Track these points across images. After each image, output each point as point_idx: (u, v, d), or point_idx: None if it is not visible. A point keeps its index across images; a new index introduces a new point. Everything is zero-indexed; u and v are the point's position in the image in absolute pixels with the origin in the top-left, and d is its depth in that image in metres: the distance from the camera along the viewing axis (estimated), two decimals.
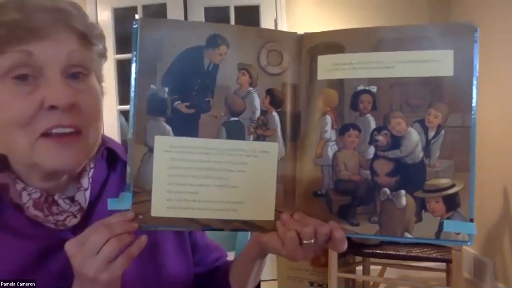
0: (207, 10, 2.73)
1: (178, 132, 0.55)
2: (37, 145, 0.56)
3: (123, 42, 2.69)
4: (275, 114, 0.58)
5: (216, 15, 2.78)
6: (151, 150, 0.54)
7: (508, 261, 2.22)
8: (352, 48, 0.56)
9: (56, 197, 0.60)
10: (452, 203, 0.53)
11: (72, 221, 0.60)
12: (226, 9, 2.72)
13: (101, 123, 0.63)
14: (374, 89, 0.55)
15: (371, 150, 0.56)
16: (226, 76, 0.57)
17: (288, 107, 0.58)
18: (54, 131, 0.56)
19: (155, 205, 0.54)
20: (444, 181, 0.54)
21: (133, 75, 0.55)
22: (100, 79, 0.65)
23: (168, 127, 0.55)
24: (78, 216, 0.61)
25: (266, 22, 2.71)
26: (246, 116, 0.57)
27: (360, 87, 0.56)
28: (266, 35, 0.59)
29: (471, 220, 0.53)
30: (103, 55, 0.64)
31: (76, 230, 0.60)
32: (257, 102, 0.58)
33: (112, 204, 0.53)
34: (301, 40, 0.58)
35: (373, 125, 0.56)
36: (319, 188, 0.57)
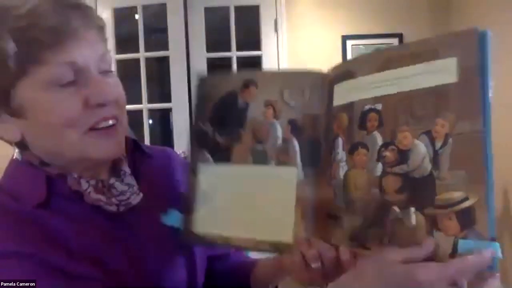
0: (207, 10, 2.70)
1: (216, 160, 0.65)
2: (86, 139, 0.59)
3: (123, 42, 2.62)
4: (295, 141, 0.63)
5: (216, 15, 2.73)
6: (196, 175, 0.65)
7: (508, 261, 2.07)
8: (361, 72, 0.58)
9: (111, 181, 0.65)
10: (466, 220, 0.46)
11: (137, 199, 0.65)
12: (226, 9, 2.70)
13: None
14: (379, 106, 0.55)
15: (379, 167, 0.54)
16: (255, 111, 0.65)
17: (307, 134, 0.62)
18: (100, 125, 0.60)
19: (196, 223, 0.64)
20: (456, 195, 0.47)
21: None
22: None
23: (208, 156, 0.66)
24: (141, 193, 0.66)
25: (266, 22, 2.68)
26: (269, 144, 0.64)
27: (367, 107, 0.56)
28: (291, 77, 0.66)
29: (493, 239, 0.44)
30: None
31: (135, 210, 0.64)
32: (279, 132, 0.64)
33: (166, 219, 0.66)
34: (322, 75, 0.63)
35: (379, 141, 0.54)
36: (332, 210, 0.57)
